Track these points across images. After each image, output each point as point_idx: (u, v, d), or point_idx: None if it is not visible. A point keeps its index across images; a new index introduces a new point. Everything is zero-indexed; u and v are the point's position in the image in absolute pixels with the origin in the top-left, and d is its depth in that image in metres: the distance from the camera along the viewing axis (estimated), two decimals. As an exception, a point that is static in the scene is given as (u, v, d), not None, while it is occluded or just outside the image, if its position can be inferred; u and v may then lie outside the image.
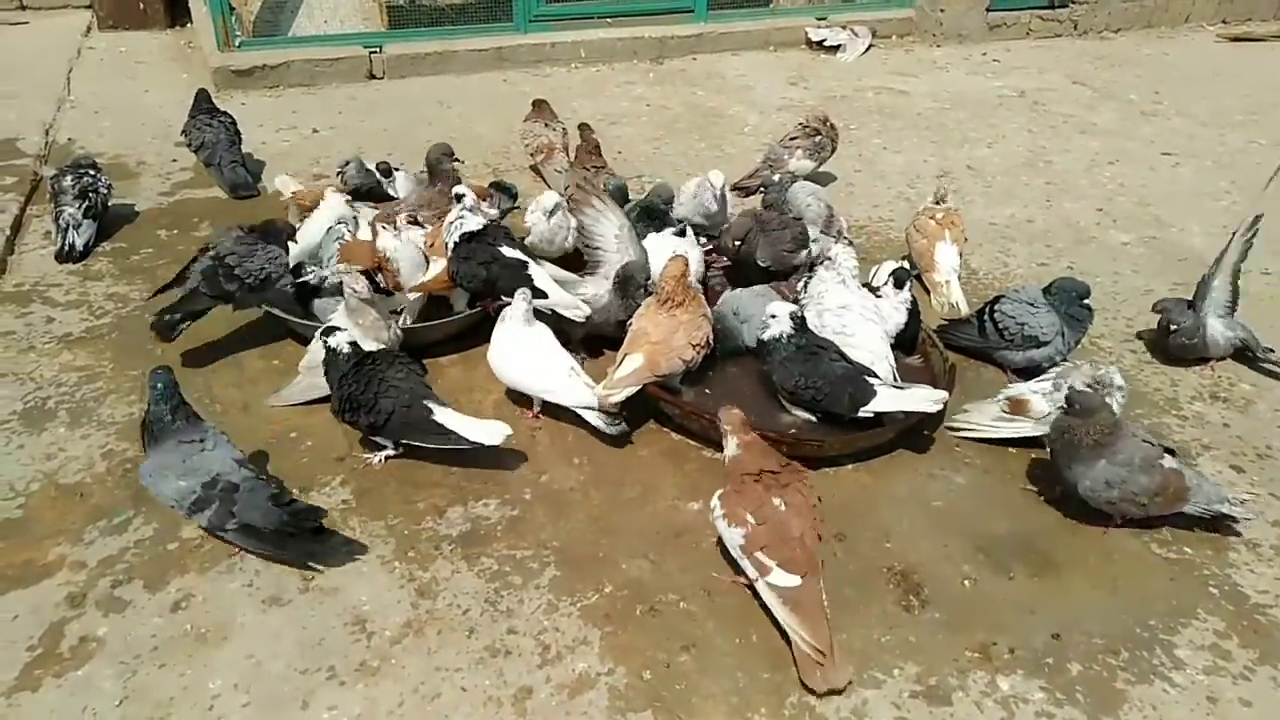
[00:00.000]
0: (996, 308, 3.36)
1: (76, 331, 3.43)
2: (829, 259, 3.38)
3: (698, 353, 3.02)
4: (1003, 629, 2.42)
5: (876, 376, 2.96)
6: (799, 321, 3.00)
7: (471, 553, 2.56)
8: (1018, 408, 3.02)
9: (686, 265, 3.09)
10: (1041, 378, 3.04)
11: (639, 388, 2.94)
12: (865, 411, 2.91)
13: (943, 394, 2.93)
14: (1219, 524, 2.75)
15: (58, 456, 2.82)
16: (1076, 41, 7.58)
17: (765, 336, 3.01)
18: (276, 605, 2.37)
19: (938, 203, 4.03)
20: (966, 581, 2.56)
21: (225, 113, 4.62)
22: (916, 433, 3.07)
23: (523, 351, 3.02)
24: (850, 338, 3.12)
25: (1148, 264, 4.28)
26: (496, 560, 2.55)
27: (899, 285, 3.30)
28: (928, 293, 3.86)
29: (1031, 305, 3.30)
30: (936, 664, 2.32)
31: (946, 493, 2.85)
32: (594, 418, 2.94)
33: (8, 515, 2.61)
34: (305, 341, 3.24)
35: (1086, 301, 3.26)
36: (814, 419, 3.04)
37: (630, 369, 2.95)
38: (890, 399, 2.92)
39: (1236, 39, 7.69)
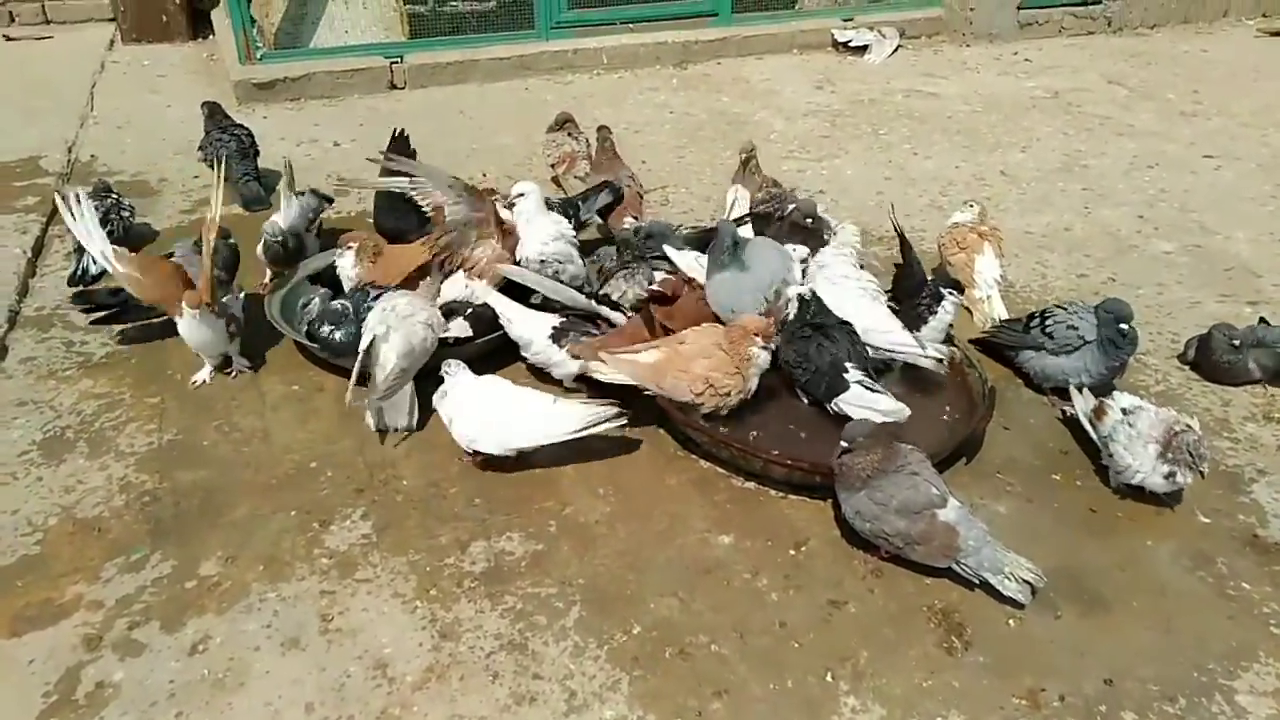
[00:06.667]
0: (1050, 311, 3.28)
1: (97, 356, 3.39)
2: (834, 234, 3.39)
3: (710, 397, 2.87)
4: (1051, 673, 2.30)
5: (861, 370, 2.95)
6: (806, 303, 2.99)
7: (495, 591, 2.48)
8: (1099, 413, 2.91)
9: (765, 334, 2.92)
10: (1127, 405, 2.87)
11: (628, 382, 2.93)
12: (837, 405, 2.93)
13: (905, 411, 2.89)
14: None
15: (76, 489, 2.77)
16: (1111, 39, 7.39)
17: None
18: (295, 648, 2.30)
19: (981, 219, 3.91)
20: (1011, 621, 2.45)
21: (241, 125, 4.58)
22: (955, 460, 2.97)
23: (492, 409, 2.84)
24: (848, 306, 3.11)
25: (1192, 274, 4.13)
26: (521, 599, 2.46)
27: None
28: (968, 310, 3.73)
29: (1080, 315, 3.19)
30: (982, 712, 2.21)
31: (988, 524, 2.71)
32: (602, 428, 2.81)
33: (26, 552, 2.57)
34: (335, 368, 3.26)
35: (1122, 327, 3.06)
36: (807, 402, 3.06)
37: (638, 360, 2.91)
38: (859, 398, 2.91)
39: (1277, 33, 7.46)
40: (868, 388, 2.94)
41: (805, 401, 3.08)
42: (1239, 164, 5.24)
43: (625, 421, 2.83)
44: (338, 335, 3.13)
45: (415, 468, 2.90)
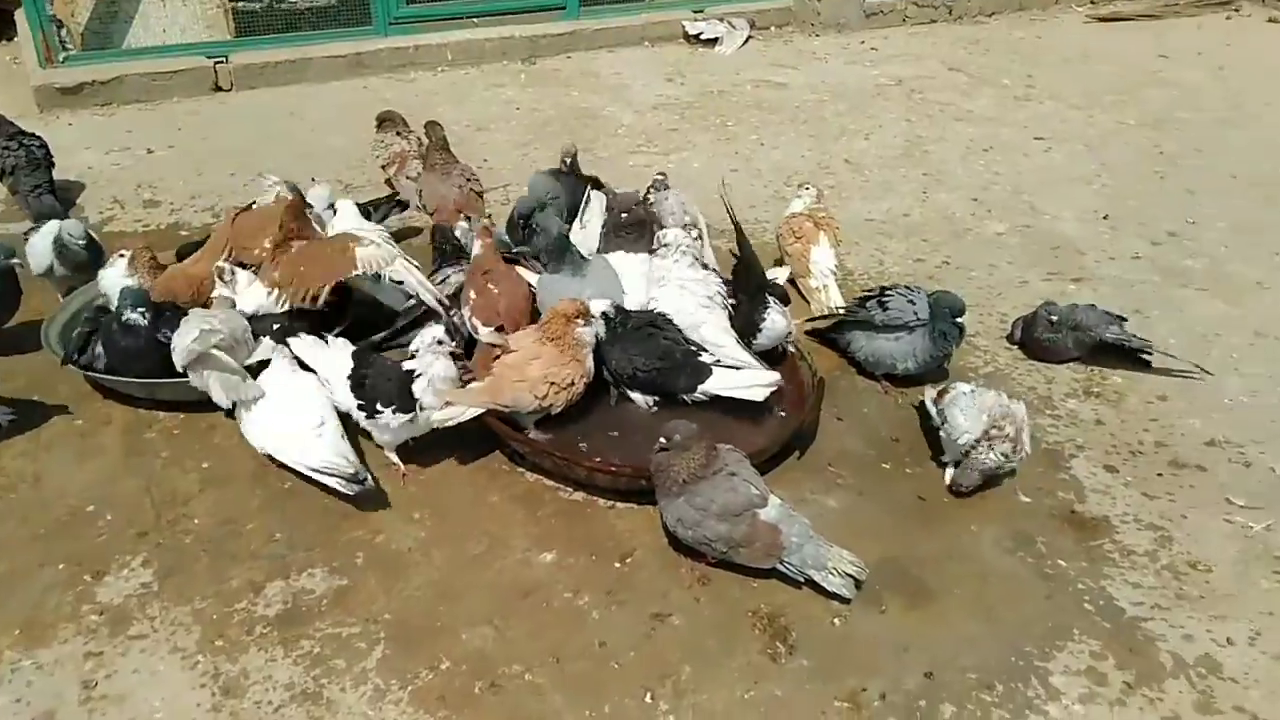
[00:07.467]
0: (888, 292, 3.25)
1: None
2: (665, 245, 3.25)
3: (555, 394, 2.75)
4: (874, 672, 2.26)
5: (708, 354, 2.95)
6: (614, 315, 2.93)
7: (290, 635, 2.28)
8: (941, 396, 2.89)
9: (584, 312, 2.80)
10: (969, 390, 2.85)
11: (479, 411, 2.71)
12: (702, 393, 2.88)
13: (774, 375, 2.91)
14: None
15: None
16: (952, 27, 7.58)
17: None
18: (49, 723, 2.05)
19: (818, 201, 3.88)
20: (836, 620, 2.39)
21: (33, 135, 4.17)
22: (788, 454, 2.91)
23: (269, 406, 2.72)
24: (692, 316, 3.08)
25: (1022, 254, 4.22)
26: (319, 642, 2.27)
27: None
28: (805, 300, 3.70)
29: (918, 294, 3.19)
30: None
31: (817, 519, 2.64)
32: (334, 481, 2.58)
33: None
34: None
35: (959, 321, 3.08)
36: (653, 403, 2.95)
37: (470, 387, 2.75)
38: (724, 379, 2.89)
39: (1104, 19, 7.80)
40: (728, 366, 2.92)
41: (651, 402, 2.97)
42: (1067, 145, 5.42)
43: (355, 492, 2.59)
44: (142, 318, 2.84)
45: (209, 504, 2.65)
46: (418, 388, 2.66)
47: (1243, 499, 2.82)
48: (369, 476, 2.61)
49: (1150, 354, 3.36)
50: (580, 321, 2.77)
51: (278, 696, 2.13)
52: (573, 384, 2.78)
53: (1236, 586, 2.53)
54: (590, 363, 2.84)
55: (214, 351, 2.68)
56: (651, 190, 3.90)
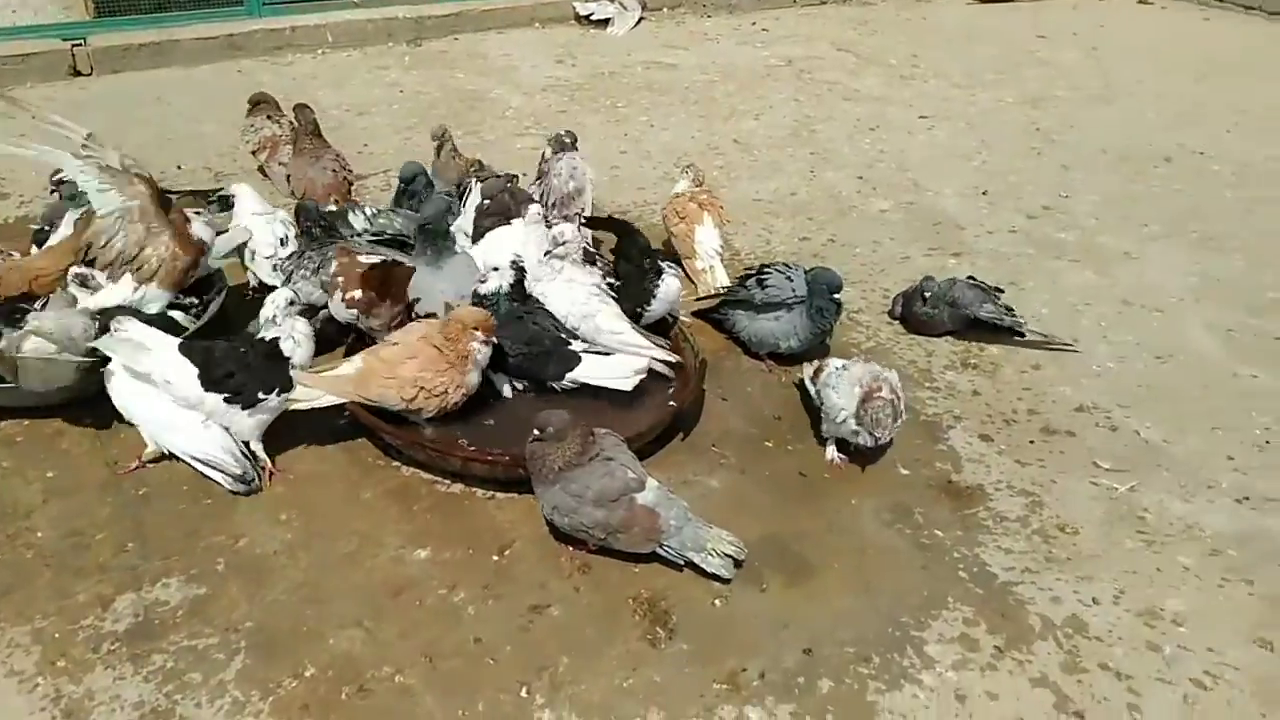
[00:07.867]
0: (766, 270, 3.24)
1: None
2: (566, 242, 3.16)
3: (425, 399, 2.64)
4: (754, 651, 2.24)
5: (577, 342, 2.93)
6: (520, 272, 2.91)
7: (141, 651, 2.13)
8: (818, 371, 2.90)
9: (487, 325, 2.70)
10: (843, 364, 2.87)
11: (338, 400, 2.64)
12: (570, 381, 2.87)
13: (642, 364, 2.90)
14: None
15: None
16: (841, 8, 7.69)
17: (483, 291, 2.88)
18: None
19: (698, 185, 3.85)
20: (717, 601, 2.37)
21: None
22: (673, 435, 2.88)
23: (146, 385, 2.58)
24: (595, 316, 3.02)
25: (905, 231, 4.29)
26: (172, 656, 2.13)
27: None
28: (691, 281, 3.68)
29: (796, 271, 3.19)
30: (682, 704, 2.11)
31: (700, 500, 2.63)
32: (219, 476, 2.55)
33: None
34: None
35: (836, 297, 3.09)
36: (521, 387, 2.94)
37: (336, 374, 2.65)
38: (592, 368, 2.87)
39: (986, 1, 8.02)
40: (597, 353, 2.90)
41: (520, 387, 2.92)
42: (950, 123, 5.55)
43: (243, 491, 2.56)
44: None
45: (54, 515, 2.48)
46: (286, 348, 2.61)
47: (1109, 462, 2.92)
48: (256, 476, 2.57)
49: (1022, 334, 3.44)
50: (479, 335, 2.68)
51: (126, 717, 1.99)
52: (445, 392, 2.68)
53: (1102, 547, 2.61)
54: (475, 378, 2.74)
55: (34, 345, 2.54)
56: (549, 146, 3.84)
